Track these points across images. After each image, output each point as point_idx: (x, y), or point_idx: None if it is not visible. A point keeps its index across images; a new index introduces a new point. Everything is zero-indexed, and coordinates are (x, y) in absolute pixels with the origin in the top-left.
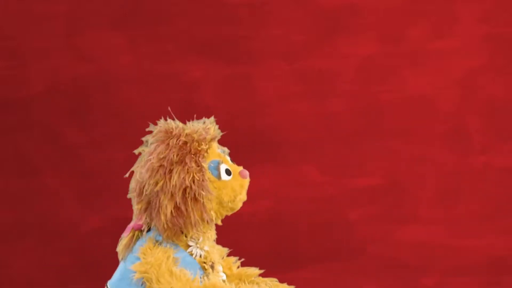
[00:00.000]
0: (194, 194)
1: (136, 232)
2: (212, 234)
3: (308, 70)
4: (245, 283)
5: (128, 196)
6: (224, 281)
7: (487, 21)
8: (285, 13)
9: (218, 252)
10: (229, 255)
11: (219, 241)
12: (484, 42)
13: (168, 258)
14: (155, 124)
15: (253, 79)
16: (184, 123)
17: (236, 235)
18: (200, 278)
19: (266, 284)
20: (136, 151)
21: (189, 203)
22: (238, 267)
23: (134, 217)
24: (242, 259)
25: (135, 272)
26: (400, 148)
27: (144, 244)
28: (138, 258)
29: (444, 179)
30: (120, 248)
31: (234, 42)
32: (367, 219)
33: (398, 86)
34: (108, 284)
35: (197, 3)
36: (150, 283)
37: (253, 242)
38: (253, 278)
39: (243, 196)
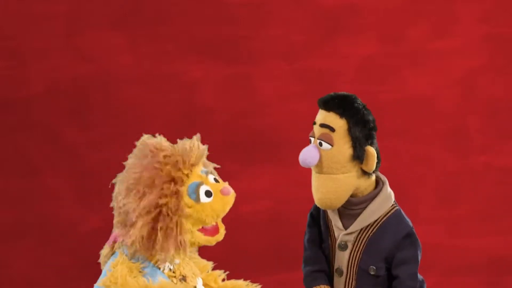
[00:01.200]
0: (166, 226)
1: (117, 244)
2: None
3: (308, 70)
4: None
5: (111, 204)
6: None
7: (487, 21)
8: (285, 13)
9: (196, 266)
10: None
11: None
12: (484, 42)
13: (130, 271)
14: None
15: (253, 79)
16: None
17: (236, 235)
18: None
19: None
20: (125, 163)
21: (159, 234)
22: (223, 280)
23: (114, 228)
24: (227, 272)
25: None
26: (400, 148)
27: (115, 258)
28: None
29: (444, 179)
30: (101, 258)
31: (234, 42)
32: None
33: (398, 86)
34: None
35: (197, 3)
36: None
37: (253, 242)
38: None
39: (227, 210)
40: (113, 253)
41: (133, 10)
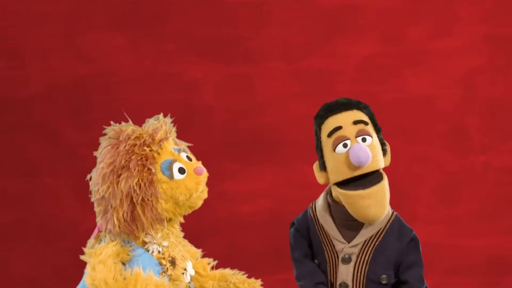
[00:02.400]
0: (142, 198)
1: (102, 234)
2: (174, 230)
3: (308, 70)
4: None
5: (92, 199)
6: (191, 276)
7: (487, 21)
8: (285, 13)
9: (185, 249)
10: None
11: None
12: (484, 42)
13: (111, 250)
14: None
15: (253, 79)
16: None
17: (236, 235)
18: (159, 274)
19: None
20: (95, 153)
21: (138, 208)
22: (212, 268)
23: (97, 219)
24: (216, 261)
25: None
26: (400, 148)
27: (105, 242)
28: None
29: (444, 179)
30: (87, 250)
31: (234, 42)
32: None
33: (398, 86)
34: None
35: (197, 3)
36: (88, 270)
37: (253, 242)
38: (233, 280)
39: (202, 194)
40: (99, 242)
41: (133, 10)
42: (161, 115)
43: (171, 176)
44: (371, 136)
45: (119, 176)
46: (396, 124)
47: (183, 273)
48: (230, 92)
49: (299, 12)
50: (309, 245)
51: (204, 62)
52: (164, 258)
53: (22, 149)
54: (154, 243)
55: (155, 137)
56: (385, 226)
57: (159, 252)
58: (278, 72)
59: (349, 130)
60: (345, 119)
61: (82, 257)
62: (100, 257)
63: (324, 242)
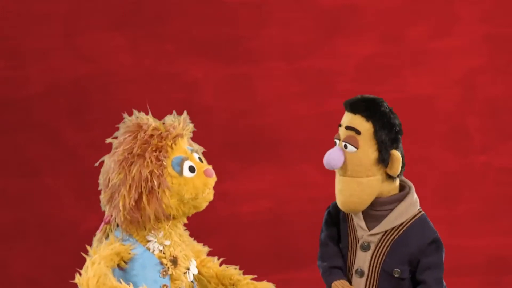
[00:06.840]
0: (151, 188)
1: (108, 227)
2: (177, 230)
3: (308, 70)
4: (223, 285)
5: (100, 186)
6: (194, 276)
7: (487, 21)
8: (285, 13)
9: (189, 247)
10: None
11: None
12: (484, 42)
13: (108, 252)
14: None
15: (253, 79)
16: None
17: (236, 235)
18: (159, 273)
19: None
20: (107, 140)
21: (145, 197)
22: (219, 266)
23: (101, 205)
24: (222, 259)
25: None
26: None
27: (107, 241)
28: None
29: (444, 179)
30: (94, 243)
31: (234, 42)
32: None
33: (398, 86)
34: None
35: (197, 3)
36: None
37: (253, 242)
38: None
39: (207, 196)
40: (106, 236)
41: (133, 10)
42: (184, 115)
43: (180, 173)
44: (356, 147)
45: (132, 164)
46: None
47: (185, 273)
48: (230, 92)
49: (299, 12)
50: (337, 230)
51: (204, 62)
52: (165, 257)
53: (22, 149)
54: (155, 241)
55: (171, 132)
56: (409, 221)
57: (160, 251)
58: (278, 72)
59: (342, 132)
60: (346, 120)
61: (83, 254)
62: (93, 258)
63: (349, 227)
